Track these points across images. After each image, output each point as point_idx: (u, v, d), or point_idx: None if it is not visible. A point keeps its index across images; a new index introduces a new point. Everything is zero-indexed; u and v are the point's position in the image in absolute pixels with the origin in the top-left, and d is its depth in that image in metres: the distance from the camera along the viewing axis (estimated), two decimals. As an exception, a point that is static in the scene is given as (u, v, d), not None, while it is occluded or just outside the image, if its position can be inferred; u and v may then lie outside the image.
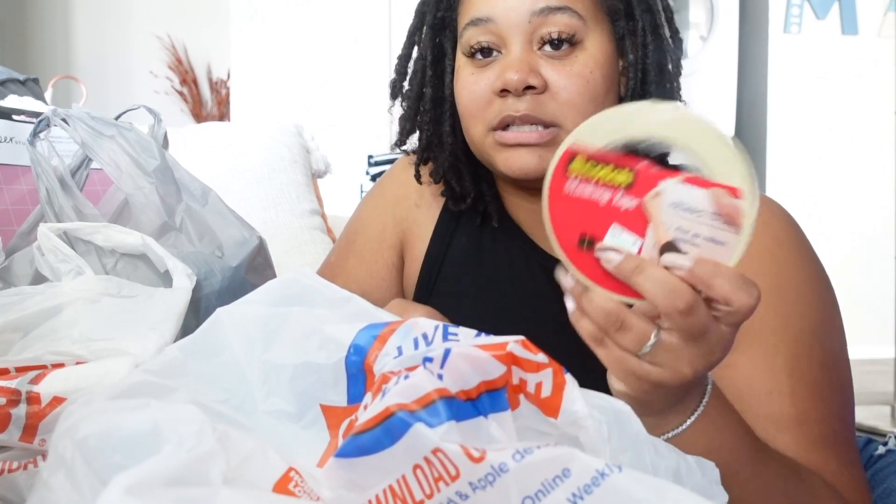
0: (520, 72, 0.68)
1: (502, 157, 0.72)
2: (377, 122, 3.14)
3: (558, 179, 0.44)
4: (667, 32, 0.75)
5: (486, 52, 0.72)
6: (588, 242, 0.45)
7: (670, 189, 0.43)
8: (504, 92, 0.70)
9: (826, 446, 0.64)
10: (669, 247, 0.44)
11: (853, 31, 3.29)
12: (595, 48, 0.71)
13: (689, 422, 0.53)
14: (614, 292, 0.45)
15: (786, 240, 0.70)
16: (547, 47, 0.70)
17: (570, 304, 0.48)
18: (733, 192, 0.43)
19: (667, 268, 0.44)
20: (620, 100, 0.75)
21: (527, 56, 0.70)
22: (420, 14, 0.80)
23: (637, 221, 0.44)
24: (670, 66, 0.75)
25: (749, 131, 3.36)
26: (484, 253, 0.82)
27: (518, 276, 0.80)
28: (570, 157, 0.43)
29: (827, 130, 3.29)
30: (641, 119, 0.43)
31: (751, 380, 0.65)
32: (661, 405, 0.52)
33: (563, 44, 0.69)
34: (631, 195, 0.43)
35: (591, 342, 0.49)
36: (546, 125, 0.70)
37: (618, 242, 0.44)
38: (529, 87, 0.69)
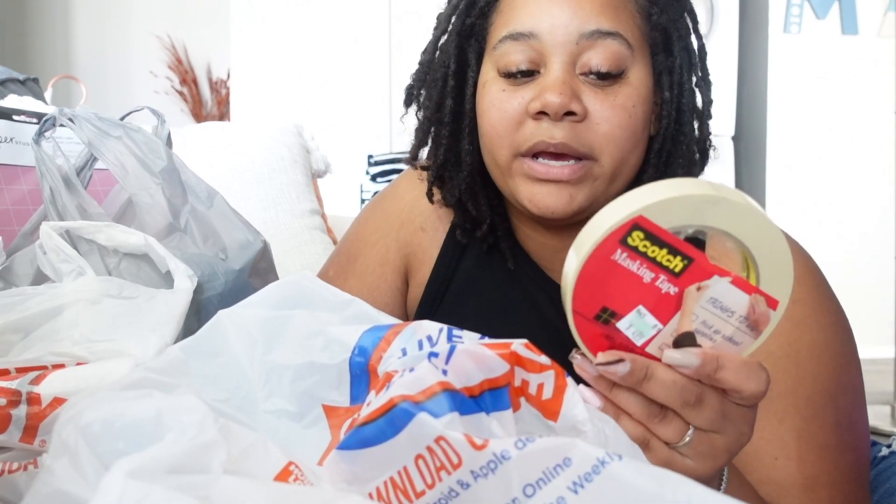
0: (562, 95, 0.63)
1: (528, 191, 0.67)
2: (377, 122, 3.13)
3: (610, 245, 0.41)
4: (699, 73, 0.72)
5: (526, 73, 0.66)
6: (607, 317, 0.43)
7: (716, 285, 0.41)
8: (540, 115, 0.64)
9: None
10: (686, 337, 0.43)
11: (853, 31, 3.29)
12: (638, 81, 0.66)
13: (722, 489, 0.52)
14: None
15: (803, 296, 0.66)
16: (592, 76, 0.65)
17: (596, 402, 0.45)
18: (772, 303, 0.43)
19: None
20: (650, 138, 0.70)
21: (569, 78, 0.64)
22: (447, 17, 0.75)
23: (666, 308, 0.42)
24: (703, 108, 0.72)
25: (749, 131, 3.36)
26: (491, 280, 0.79)
27: (525, 305, 0.78)
28: (633, 226, 0.40)
29: (827, 130, 3.29)
30: (717, 210, 0.40)
31: (756, 444, 0.63)
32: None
33: (609, 77, 0.65)
34: (674, 282, 0.41)
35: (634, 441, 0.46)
36: (579, 157, 0.65)
37: (638, 324, 0.43)
38: (569, 113, 0.64)
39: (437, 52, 0.76)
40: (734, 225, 0.41)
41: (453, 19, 0.74)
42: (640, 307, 0.42)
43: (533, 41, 0.65)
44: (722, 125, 3.25)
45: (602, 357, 0.43)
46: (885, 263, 2.91)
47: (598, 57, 0.64)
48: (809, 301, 0.67)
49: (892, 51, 3.07)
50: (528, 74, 0.67)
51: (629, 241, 0.40)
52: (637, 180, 0.71)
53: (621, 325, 0.43)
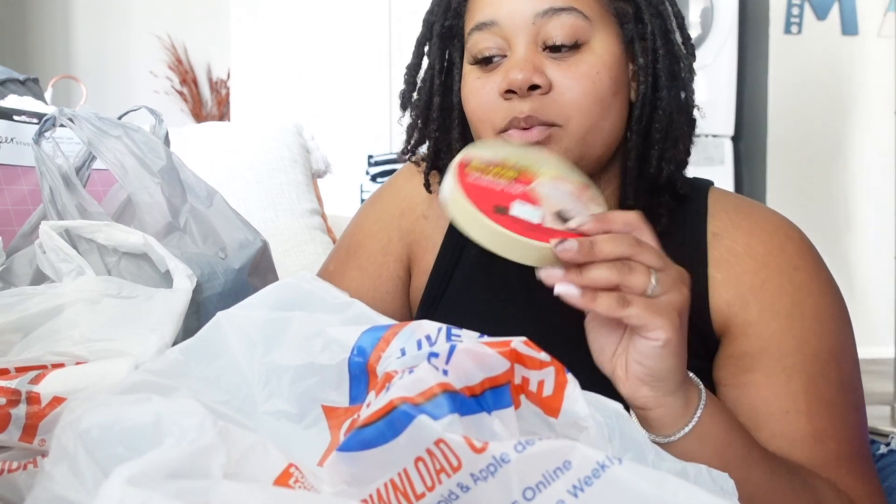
0: (524, 71, 0.67)
1: None
2: (377, 122, 3.13)
3: (461, 175, 0.59)
4: (678, 38, 0.74)
5: (490, 60, 0.71)
6: (501, 209, 0.57)
7: (545, 182, 0.61)
8: (509, 93, 0.69)
9: (841, 462, 0.65)
10: (561, 213, 0.58)
11: (853, 32, 3.29)
12: (602, 49, 0.70)
13: (703, 393, 0.59)
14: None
15: (802, 264, 0.71)
16: (550, 50, 0.69)
17: (574, 292, 0.54)
18: (583, 186, 0.63)
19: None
20: (631, 105, 0.73)
21: (532, 56, 0.69)
22: (428, 24, 0.79)
23: (531, 199, 0.59)
24: (682, 73, 0.74)
25: (749, 131, 3.36)
26: (495, 266, 0.79)
27: (530, 289, 0.78)
28: (467, 162, 0.61)
29: (827, 130, 3.29)
30: (512, 146, 0.65)
31: (768, 399, 0.66)
32: (675, 378, 0.57)
33: (564, 48, 0.69)
34: (518, 184, 0.60)
35: (618, 310, 0.54)
36: (547, 126, 0.69)
37: (523, 211, 0.57)
38: (534, 87, 0.68)
39: (423, 57, 0.81)
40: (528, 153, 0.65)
41: (434, 26, 0.78)
42: (518, 201, 0.58)
43: (495, 28, 0.70)
44: (722, 125, 3.25)
45: (554, 241, 0.54)
46: (885, 263, 2.91)
47: (556, 31, 0.69)
48: (809, 268, 0.71)
49: (892, 51, 3.07)
50: (497, 60, 0.71)
51: (470, 169, 0.60)
52: (623, 145, 0.74)
53: (516, 213, 0.57)
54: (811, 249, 0.73)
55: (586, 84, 0.68)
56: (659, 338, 0.54)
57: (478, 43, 0.71)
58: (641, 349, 0.55)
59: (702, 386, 0.60)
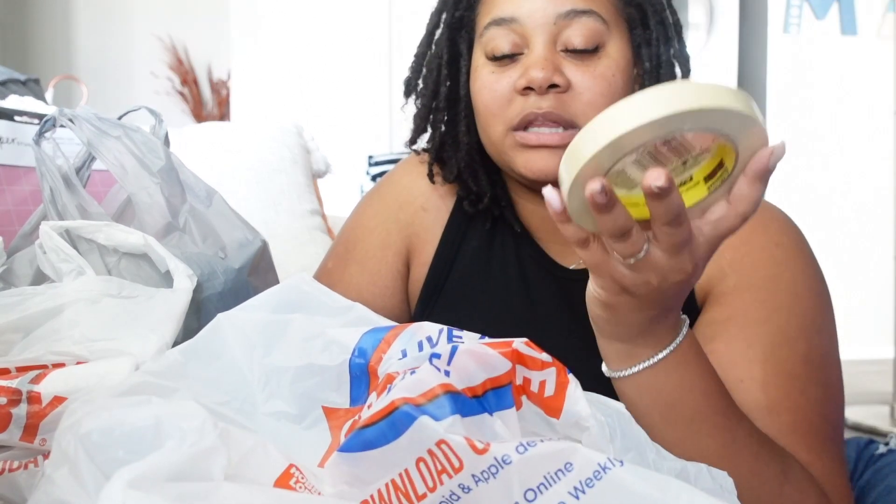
0: (545, 70, 0.68)
1: (523, 158, 0.72)
2: (377, 122, 3.13)
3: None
4: (676, 45, 0.76)
5: (511, 56, 0.72)
6: None
7: None
8: (527, 90, 0.70)
9: (797, 435, 0.63)
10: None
11: (852, 32, 3.29)
12: (616, 52, 0.71)
13: (661, 355, 0.54)
14: None
15: (786, 242, 0.72)
16: (571, 52, 0.70)
17: (556, 202, 0.46)
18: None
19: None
20: None
21: (551, 55, 0.70)
22: (438, 12, 0.80)
23: None
24: (680, 78, 0.76)
25: (749, 131, 3.36)
26: (494, 258, 0.82)
27: (527, 283, 0.80)
28: None
29: (827, 131, 3.29)
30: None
31: (724, 367, 0.64)
32: (631, 324, 0.52)
33: (587, 52, 0.70)
34: None
35: (576, 244, 0.49)
36: (566, 125, 0.70)
37: None
38: (553, 86, 0.69)
39: (431, 45, 0.81)
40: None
41: (444, 14, 0.79)
42: None
43: (515, 25, 0.71)
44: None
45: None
46: (885, 263, 2.91)
47: (576, 34, 0.70)
48: (791, 246, 0.72)
49: (891, 51, 3.07)
50: (513, 57, 0.72)
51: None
52: None
53: None
54: (796, 231, 0.73)
55: (603, 85, 0.70)
56: (591, 292, 0.52)
57: (494, 38, 0.72)
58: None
59: (684, 328, 0.55)
